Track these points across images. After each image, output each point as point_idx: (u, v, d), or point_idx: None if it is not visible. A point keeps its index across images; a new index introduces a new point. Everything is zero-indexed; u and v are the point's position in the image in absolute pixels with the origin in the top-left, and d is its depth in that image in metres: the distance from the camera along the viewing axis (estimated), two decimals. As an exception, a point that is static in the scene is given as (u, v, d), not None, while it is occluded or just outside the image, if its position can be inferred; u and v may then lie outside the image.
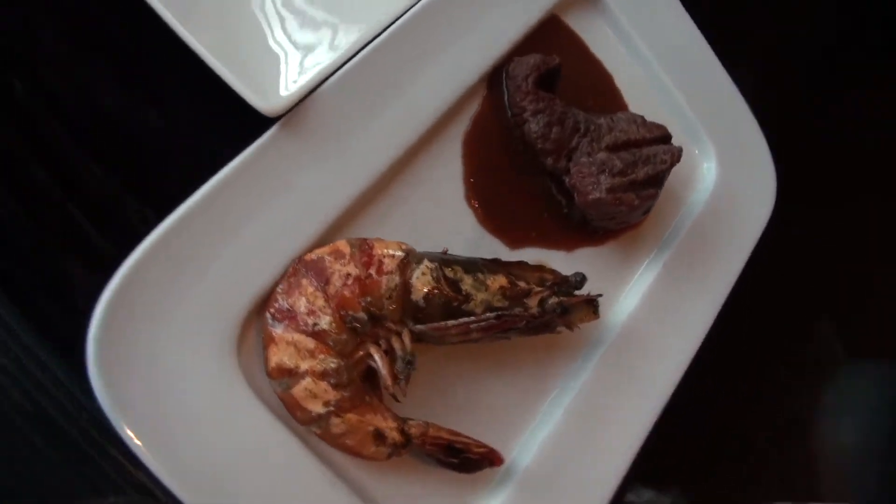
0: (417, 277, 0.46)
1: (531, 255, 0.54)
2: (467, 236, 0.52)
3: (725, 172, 0.62)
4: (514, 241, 0.53)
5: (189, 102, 0.48)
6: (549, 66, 0.54)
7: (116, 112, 0.46)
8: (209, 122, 0.48)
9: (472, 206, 0.53)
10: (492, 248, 0.53)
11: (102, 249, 0.44)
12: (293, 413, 0.44)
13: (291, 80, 0.47)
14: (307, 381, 0.43)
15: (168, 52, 0.44)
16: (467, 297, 0.47)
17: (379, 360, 0.45)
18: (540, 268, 0.51)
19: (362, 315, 0.45)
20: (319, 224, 0.46)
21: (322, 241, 0.46)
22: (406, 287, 0.45)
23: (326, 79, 0.47)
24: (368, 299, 0.45)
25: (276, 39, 0.49)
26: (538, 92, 0.53)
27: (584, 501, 0.51)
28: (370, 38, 0.49)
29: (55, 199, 0.44)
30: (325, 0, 0.51)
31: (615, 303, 0.56)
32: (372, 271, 0.45)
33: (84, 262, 0.44)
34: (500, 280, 0.48)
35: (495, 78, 0.55)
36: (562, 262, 0.55)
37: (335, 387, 0.44)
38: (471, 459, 0.48)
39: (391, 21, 0.50)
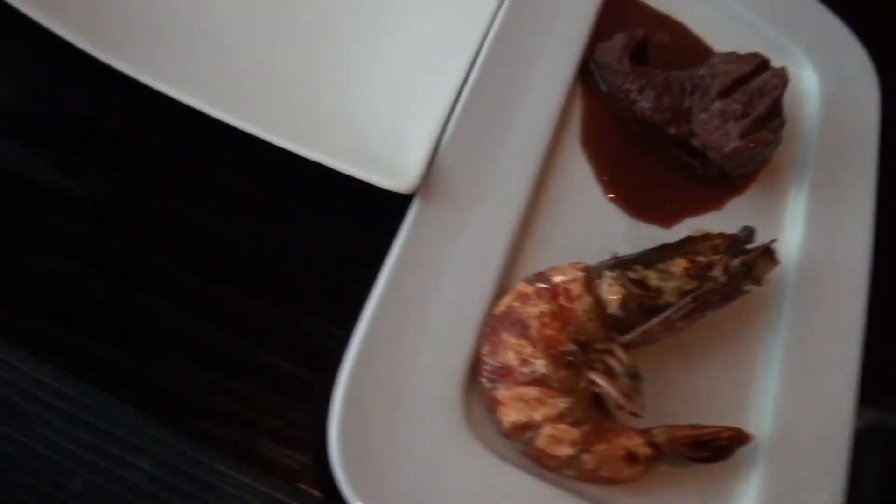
0: (606, 290, 0.45)
1: (688, 226, 0.52)
2: (623, 233, 0.51)
3: (825, 76, 0.61)
4: (667, 220, 0.52)
5: (316, 206, 0.48)
6: (637, 40, 0.52)
7: (253, 243, 0.46)
8: (341, 216, 0.48)
9: (615, 202, 0.51)
10: (650, 235, 0.51)
11: (303, 378, 0.44)
12: (543, 463, 0.43)
13: (410, 147, 0.46)
14: (547, 429, 0.43)
15: (281, 168, 0.45)
16: (659, 291, 0.46)
17: (604, 384, 0.44)
18: (706, 236, 0.49)
19: (571, 346, 0.44)
20: (491, 275, 0.46)
21: (501, 291, 0.45)
22: (599, 303, 0.44)
23: (442, 132, 0.47)
24: (571, 329, 0.44)
25: (376, 113, 0.48)
26: (636, 69, 0.52)
27: (830, 442, 0.49)
28: (462, 80, 0.48)
29: (243, 352, 0.44)
30: (397, 57, 0.51)
31: (783, 239, 0.54)
32: (562, 301, 0.44)
33: (292, 397, 0.44)
34: (680, 263, 0.47)
35: (585, 72, 0.54)
36: (718, 221, 0.53)
37: (575, 424, 0.43)
38: (721, 446, 0.46)
39: (473, 57, 0.50)
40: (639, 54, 0.53)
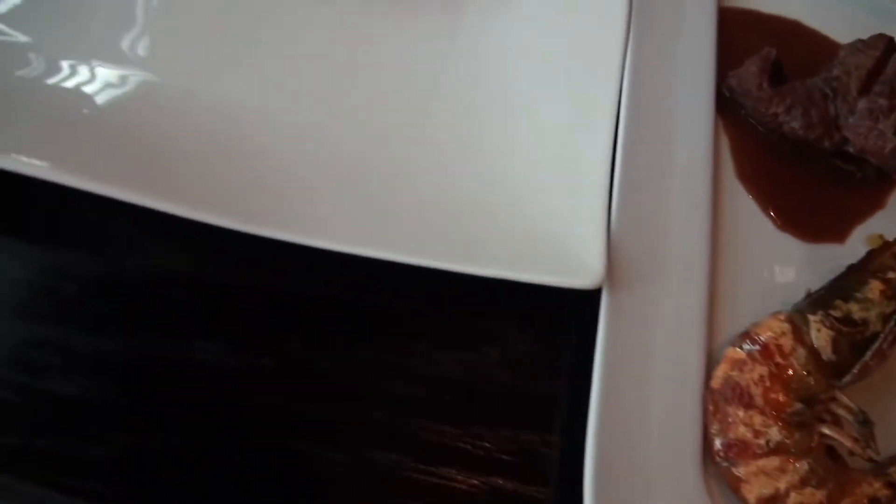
0: (816, 337, 0.43)
1: (859, 235, 0.50)
2: (802, 260, 0.49)
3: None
4: (840, 235, 0.50)
5: (481, 316, 0.46)
6: (771, 61, 0.50)
7: (433, 368, 0.45)
8: (506, 321, 0.47)
9: (788, 231, 0.49)
10: (829, 255, 0.49)
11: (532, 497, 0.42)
12: (795, 531, 0.42)
13: (579, 233, 0.45)
14: (793, 497, 0.41)
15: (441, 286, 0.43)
16: (865, 324, 0.44)
17: (838, 436, 0.42)
18: (886, 245, 0.47)
19: (798, 406, 0.42)
20: (698, 346, 0.44)
21: (708, 359, 0.44)
22: (813, 352, 0.43)
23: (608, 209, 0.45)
24: (793, 387, 0.42)
25: (532, 207, 0.47)
26: (777, 89, 0.50)
27: None
28: (611, 149, 0.46)
29: (463, 485, 0.43)
30: (536, 145, 0.49)
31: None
32: (777, 359, 0.43)
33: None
34: (875, 286, 0.45)
35: (721, 101, 0.51)
36: (886, 221, 0.51)
37: (819, 485, 0.42)
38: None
39: (614, 123, 0.48)
40: (776, 73, 0.50)
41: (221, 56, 0.51)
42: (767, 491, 0.42)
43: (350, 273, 0.43)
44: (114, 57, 0.51)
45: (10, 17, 0.51)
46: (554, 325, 0.45)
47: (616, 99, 0.48)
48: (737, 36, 0.54)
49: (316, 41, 0.52)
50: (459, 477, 0.42)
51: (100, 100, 0.49)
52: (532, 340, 0.45)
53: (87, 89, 0.49)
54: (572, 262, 0.43)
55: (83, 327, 0.44)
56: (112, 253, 0.46)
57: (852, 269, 0.47)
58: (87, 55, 0.51)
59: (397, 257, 0.42)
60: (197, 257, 0.46)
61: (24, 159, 0.43)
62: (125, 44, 0.51)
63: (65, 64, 0.51)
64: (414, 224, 0.44)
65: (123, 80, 0.50)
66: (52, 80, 0.50)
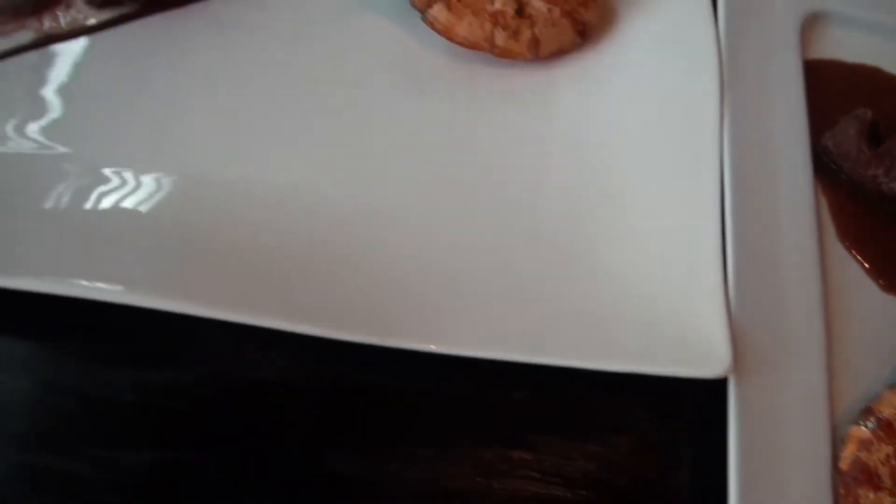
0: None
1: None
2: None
3: None
4: (948, 291, 0.50)
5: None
6: (867, 122, 0.49)
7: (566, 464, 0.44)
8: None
9: (892, 292, 0.49)
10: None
11: None
12: None
13: (694, 316, 0.44)
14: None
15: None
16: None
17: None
18: None
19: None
20: (823, 426, 0.43)
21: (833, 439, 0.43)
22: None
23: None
24: (921, 465, 0.42)
25: (642, 290, 0.46)
26: (876, 151, 0.49)
27: None
28: (720, 219, 0.46)
29: None
30: (641, 225, 0.48)
31: None
32: (904, 437, 0.42)
33: None
34: None
35: (815, 164, 0.51)
36: None
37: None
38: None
39: (719, 186, 0.48)
40: (871, 133, 0.50)
41: (316, 155, 0.51)
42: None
43: (465, 370, 0.43)
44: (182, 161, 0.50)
45: (49, 130, 0.51)
46: (674, 411, 0.44)
47: (719, 173, 0.47)
48: (823, 89, 0.53)
49: (411, 138, 0.51)
50: None
51: (167, 209, 0.48)
52: (654, 428, 0.45)
53: (154, 199, 0.49)
54: (696, 350, 0.42)
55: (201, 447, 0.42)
56: (202, 363, 0.45)
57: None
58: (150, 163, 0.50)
59: (522, 357, 0.41)
60: (300, 362, 0.45)
61: (102, 285, 0.42)
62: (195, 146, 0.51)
63: (113, 172, 0.50)
64: (532, 322, 0.44)
65: (204, 182, 0.49)
66: (108, 195, 0.49)
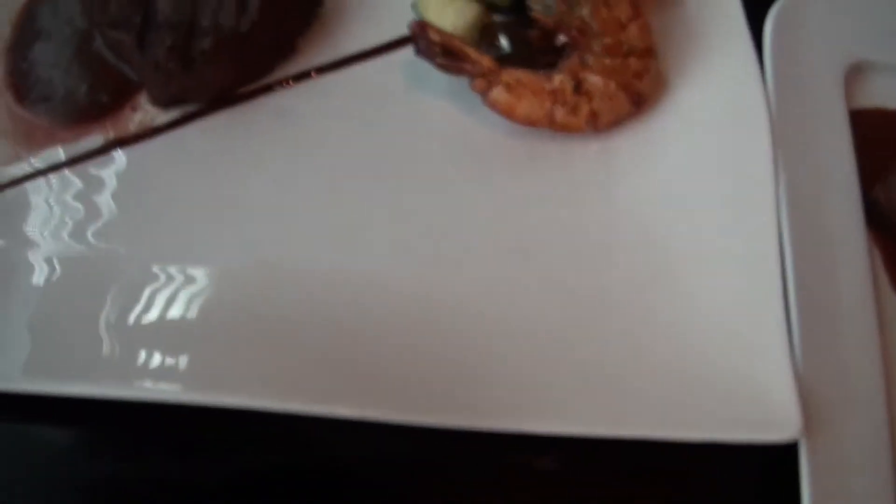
0: None
1: None
2: None
3: None
4: None
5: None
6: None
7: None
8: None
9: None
10: None
11: None
12: None
13: (762, 379, 0.47)
14: None
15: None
16: None
17: None
18: None
19: None
20: (890, 482, 0.46)
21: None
22: None
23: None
24: None
25: (710, 356, 0.49)
26: (927, 204, 0.52)
27: None
28: (781, 278, 0.49)
29: None
30: (704, 295, 0.51)
31: None
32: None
33: None
34: None
35: (868, 217, 0.54)
36: None
37: None
38: None
39: (778, 244, 0.50)
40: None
41: (387, 240, 0.54)
42: None
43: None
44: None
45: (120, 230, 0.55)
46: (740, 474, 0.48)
47: (777, 234, 0.50)
48: (870, 138, 0.56)
49: (479, 216, 0.55)
50: None
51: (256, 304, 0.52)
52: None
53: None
54: (767, 416, 0.45)
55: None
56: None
57: None
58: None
59: (601, 432, 0.45)
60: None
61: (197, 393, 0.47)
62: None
63: (184, 270, 0.54)
64: (606, 397, 0.47)
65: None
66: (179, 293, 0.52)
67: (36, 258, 0.54)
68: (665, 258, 0.53)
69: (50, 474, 0.50)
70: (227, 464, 0.50)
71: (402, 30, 0.60)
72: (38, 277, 0.53)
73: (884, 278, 0.54)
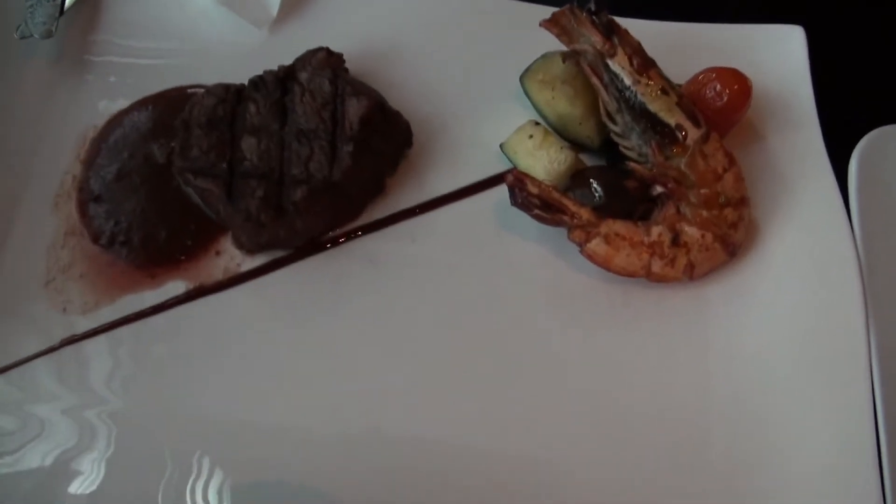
0: None
1: None
2: None
3: None
4: None
5: None
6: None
7: None
8: None
9: None
10: None
11: None
12: None
13: None
14: None
15: None
16: None
17: None
18: None
19: None
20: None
21: None
22: None
23: None
24: None
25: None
26: None
27: None
28: (871, 420, 0.51)
29: None
30: None
31: None
32: None
33: None
34: None
35: None
36: None
37: None
38: None
39: (871, 393, 0.51)
40: None
41: (483, 393, 0.54)
42: None
43: None
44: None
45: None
46: None
47: (870, 383, 0.51)
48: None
49: (578, 364, 0.55)
50: None
51: None
52: None
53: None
54: None
55: None
56: None
57: None
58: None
59: None
60: None
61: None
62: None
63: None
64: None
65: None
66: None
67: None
68: (761, 406, 0.53)
69: None
70: None
71: (489, 171, 0.59)
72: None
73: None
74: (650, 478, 0.51)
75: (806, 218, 0.58)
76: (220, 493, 0.50)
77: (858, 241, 0.57)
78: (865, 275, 0.55)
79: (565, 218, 0.56)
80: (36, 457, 0.51)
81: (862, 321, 0.54)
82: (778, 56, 0.63)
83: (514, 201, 0.56)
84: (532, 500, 0.51)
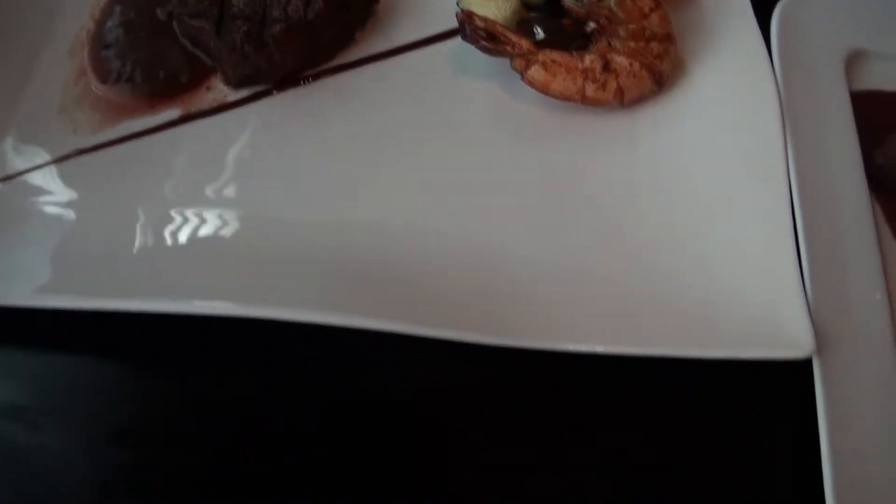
0: None
1: None
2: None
3: None
4: None
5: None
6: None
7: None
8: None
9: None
10: None
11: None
12: None
13: (784, 307, 0.52)
14: None
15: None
16: None
17: None
18: None
19: None
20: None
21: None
22: None
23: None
24: None
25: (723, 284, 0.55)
26: (920, 161, 0.58)
27: None
28: (790, 215, 0.55)
29: None
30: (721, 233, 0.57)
31: None
32: None
33: None
34: None
35: (869, 178, 0.60)
36: None
37: None
38: None
39: (788, 184, 0.57)
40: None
41: (440, 195, 0.61)
42: None
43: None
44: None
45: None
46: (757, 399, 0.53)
47: (789, 187, 0.56)
48: (869, 114, 0.62)
49: (518, 178, 0.62)
50: None
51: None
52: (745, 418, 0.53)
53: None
54: (784, 338, 0.51)
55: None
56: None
57: None
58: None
59: (622, 350, 0.51)
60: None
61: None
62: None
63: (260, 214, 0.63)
64: (631, 319, 0.53)
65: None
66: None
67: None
68: (688, 203, 0.59)
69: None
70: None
71: (449, 24, 0.67)
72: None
73: (886, 232, 0.59)
74: (586, 254, 0.58)
75: (731, 58, 0.64)
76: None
77: (780, 86, 0.63)
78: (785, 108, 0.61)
79: (508, 48, 0.63)
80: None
81: (780, 137, 0.59)
82: None
83: (464, 35, 0.64)
84: (481, 268, 0.57)
